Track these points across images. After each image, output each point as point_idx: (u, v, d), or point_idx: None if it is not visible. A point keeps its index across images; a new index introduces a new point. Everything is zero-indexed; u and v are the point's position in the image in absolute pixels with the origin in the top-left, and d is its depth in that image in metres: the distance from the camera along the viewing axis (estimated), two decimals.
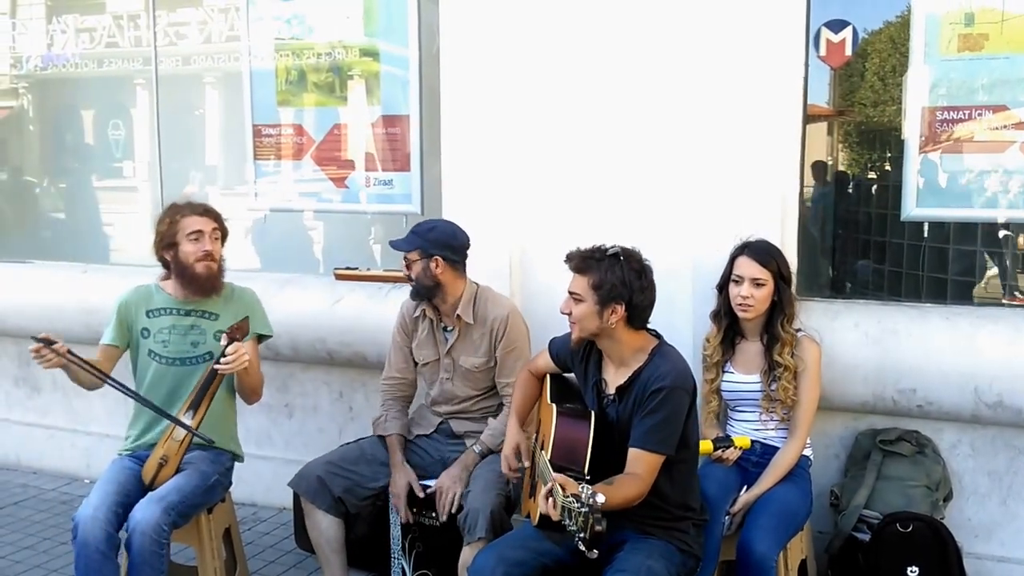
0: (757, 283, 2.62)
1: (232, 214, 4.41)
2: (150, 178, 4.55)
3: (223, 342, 2.64)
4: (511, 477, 2.58)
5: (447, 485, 2.74)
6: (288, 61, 3.78)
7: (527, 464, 2.51)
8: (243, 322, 2.71)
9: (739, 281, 2.64)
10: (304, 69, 3.78)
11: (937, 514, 2.75)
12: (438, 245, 2.79)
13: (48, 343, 2.52)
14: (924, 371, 2.81)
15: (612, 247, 2.28)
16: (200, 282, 2.75)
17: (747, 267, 2.63)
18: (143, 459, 2.69)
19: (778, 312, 2.64)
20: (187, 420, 2.64)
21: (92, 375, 2.65)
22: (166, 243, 2.76)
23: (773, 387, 2.64)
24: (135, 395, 2.72)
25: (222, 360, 2.61)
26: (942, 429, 2.90)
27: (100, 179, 4.98)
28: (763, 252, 2.65)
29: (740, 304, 2.65)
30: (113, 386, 2.64)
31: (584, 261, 2.26)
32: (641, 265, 2.27)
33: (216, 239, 2.78)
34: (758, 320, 2.67)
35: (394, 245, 2.87)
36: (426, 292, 2.83)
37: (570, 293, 2.29)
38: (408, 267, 2.83)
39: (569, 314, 2.30)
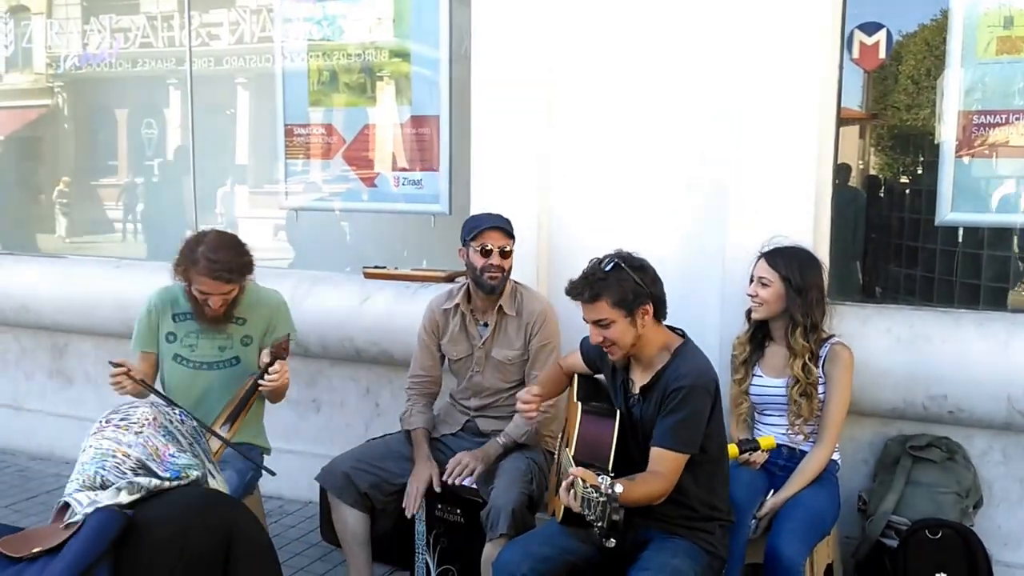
0: (762, 282, 2.65)
1: (263, 212, 4.50)
2: (182, 176, 4.62)
3: (265, 359, 2.69)
4: (525, 411, 2.54)
5: (464, 458, 2.77)
6: (320, 62, 3.83)
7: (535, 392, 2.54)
8: (285, 340, 2.75)
9: (752, 279, 2.69)
10: (336, 70, 3.82)
11: (967, 521, 2.71)
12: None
13: (127, 372, 2.59)
14: (956, 377, 2.78)
15: (604, 259, 2.27)
16: (207, 320, 2.73)
17: (757, 265, 2.69)
18: None
19: (788, 320, 2.63)
20: (223, 432, 2.67)
21: (161, 398, 2.62)
22: (183, 276, 2.70)
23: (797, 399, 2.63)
24: (188, 414, 2.73)
25: (266, 377, 2.65)
26: (973, 436, 2.87)
27: (133, 177, 5.07)
28: (774, 253, 2.67)
29: (750, 301, 2.69)
30: (182, 409, 2.67)
31: (594, 287, 2.23)
32: (640, 261, 2.29)
33: (227, 292, 2.67)
34: (783, 324, 2.66)
35: (507, 227, 2.85)
36: (505, 285, 2.87)
37: (595, 323, 2.26)
38: (505, 257, 2.82)
39: (602, 341, 2.27)
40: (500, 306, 2.88)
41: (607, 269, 2.23)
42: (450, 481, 2.76)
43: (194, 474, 1.66)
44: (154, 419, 1.67)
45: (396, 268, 3.73)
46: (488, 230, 2.80)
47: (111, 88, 4.97)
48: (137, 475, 1.57)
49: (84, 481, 1.57)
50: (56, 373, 4.41)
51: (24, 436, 4.46)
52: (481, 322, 2.93)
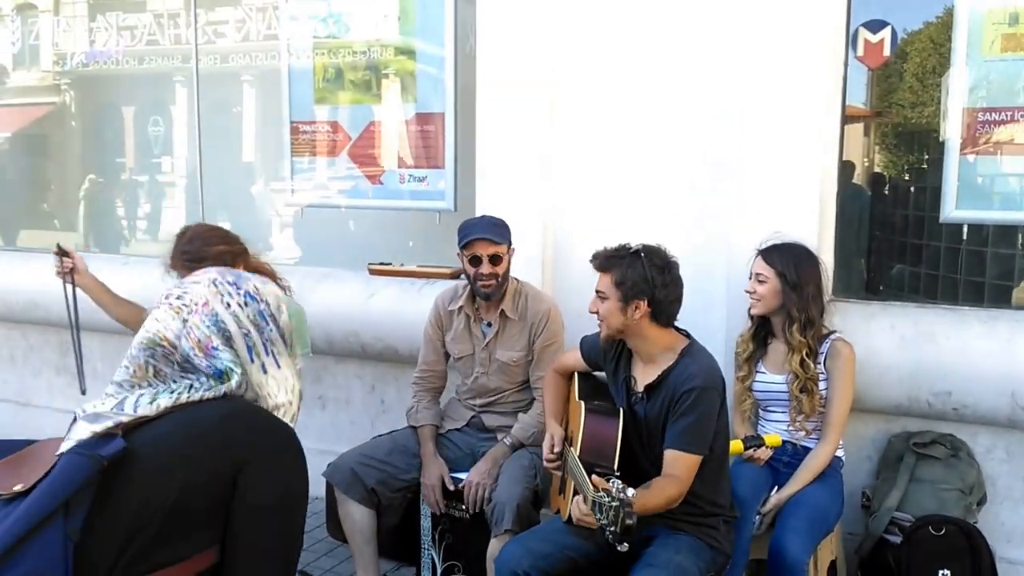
0: (759, 278, 2.67)
1: (269, 209, 4.51)
2: (189, 174, 4.64)
3: None
4: (550, 469, 2.56)
5: (476, 480, 2.77)
6: (325, 59, 3.84)
7: (558, 450, 2.50)
8: None
9: (751, 276, 2.71)
10: (341, 67, 3.83)
11: (970, 518, 2.72)
12: (510, 240, 2.86)
13: (63, 254, 2.71)
14: (960, 374, 2.79)
15: (636, 245, 2.30)
16: None
17: (755, 262, 2.70)
18: None
19: (785, 316, 2.64)
20: None
21: (69, 314, 2.81)
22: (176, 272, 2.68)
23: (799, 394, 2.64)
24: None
25: None
26: (977, 433, 2.88)
27: (140, 174, 5.09)
28: (770, 250, 2.68)
29: (749, 298, 2.71)
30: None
31: (607, 260, 2.30)
32: (665, 261, 2.29)
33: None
34: (781, 320, 2.67)
35: (493, 237, 2.80)
36: (503, 289, 2.86)
37: (596, 292, 2.32)
38: (496, 264, 2.80)
39: (596, 312, 2.33)
40: (502, 309, 2.89)
41: (629, 251, 2.28)
42: (474, 510, 2.76)
43: (234, 377, 1.49)
44: (206, 303, 1.50)
45: (402, 264, 3.75)
46: (475, 241, 2.79)
47: (118, 86, 4.99)
48: (184, 370, 1.46)
49: (135, 371, 1.46)
50: (63, 370, 4.43)
51: (31, 432, 4.44)
52: (485, 322, 2.94)
